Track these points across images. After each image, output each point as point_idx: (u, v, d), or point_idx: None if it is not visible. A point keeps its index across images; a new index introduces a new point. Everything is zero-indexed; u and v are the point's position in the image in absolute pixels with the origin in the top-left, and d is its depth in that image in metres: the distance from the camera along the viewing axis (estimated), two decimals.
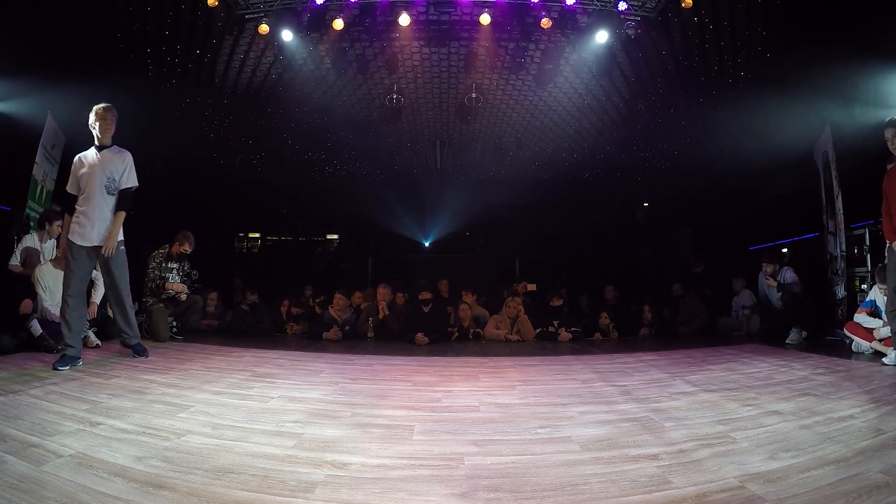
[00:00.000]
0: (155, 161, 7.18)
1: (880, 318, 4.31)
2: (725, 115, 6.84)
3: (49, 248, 4.62)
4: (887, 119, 3.82)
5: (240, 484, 1.40)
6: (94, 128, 3.43)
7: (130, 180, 3.51)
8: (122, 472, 1.44)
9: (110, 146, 3.49)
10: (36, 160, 5.54)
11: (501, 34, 6.14)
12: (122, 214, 3.47)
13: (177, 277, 5.16)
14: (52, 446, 1.62)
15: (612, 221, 10.55)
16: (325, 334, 5.46)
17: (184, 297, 5.09)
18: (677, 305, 6.72)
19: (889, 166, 3.85)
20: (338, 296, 5.78)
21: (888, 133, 3.77)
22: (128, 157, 3.52)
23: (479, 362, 4.08)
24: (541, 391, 2.80)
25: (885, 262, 3.82)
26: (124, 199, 3.48)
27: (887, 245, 3.77)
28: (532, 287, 6.56)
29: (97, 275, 4.57)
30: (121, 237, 3.50)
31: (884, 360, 3.75)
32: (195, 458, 1.59)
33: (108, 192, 3.41)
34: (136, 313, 4.15)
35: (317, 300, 6.52)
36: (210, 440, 1.78)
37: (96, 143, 3.46)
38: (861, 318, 4.34)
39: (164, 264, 5.10)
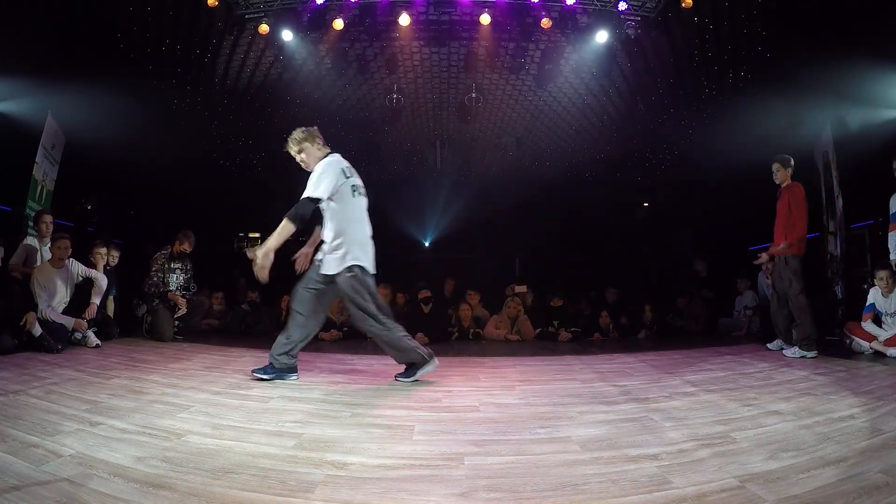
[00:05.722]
0: (155, 161, 7.22)
1: (880, 320, 4.35)
2: (725, 115, 6.82)
3: (48, 248, 4.61)
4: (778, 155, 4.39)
5: (240, 484, 1.40)
6: None
7: None
8: (122, 472, 1.43)
9: None
10: (36, 160, 5.54)
11: (501, 34, 6.12)
12: None
13: (180, 278, 5.16)
14: (52, 446, 1.62)
15: (613, 221, 10.53)
16: (323, 335, 5.45)
17: (182, 310, 5.06)
18: (682, 313, 6.74)
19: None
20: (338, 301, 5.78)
21: (774, 167, 4.38)
22: None
23: (478, 362, 4.08)
24: (541, 391, 2.79)
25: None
26: None
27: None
28: (522, 288, 6.52)
29: (97, 275, 4.57)
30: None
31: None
32: (195, 458, 1.59)
33: None
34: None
35: None
36: (210, 440, 1.78)
37: None
38: (868, 325, 4.35)
39: (166, 265, 5.10)
